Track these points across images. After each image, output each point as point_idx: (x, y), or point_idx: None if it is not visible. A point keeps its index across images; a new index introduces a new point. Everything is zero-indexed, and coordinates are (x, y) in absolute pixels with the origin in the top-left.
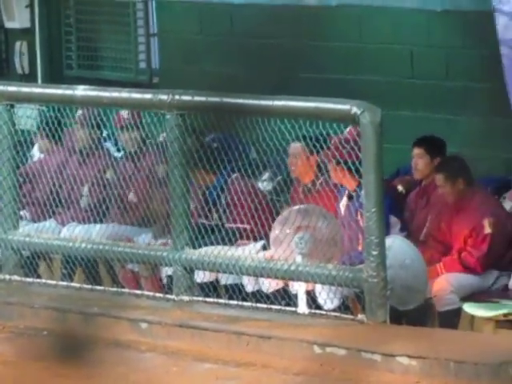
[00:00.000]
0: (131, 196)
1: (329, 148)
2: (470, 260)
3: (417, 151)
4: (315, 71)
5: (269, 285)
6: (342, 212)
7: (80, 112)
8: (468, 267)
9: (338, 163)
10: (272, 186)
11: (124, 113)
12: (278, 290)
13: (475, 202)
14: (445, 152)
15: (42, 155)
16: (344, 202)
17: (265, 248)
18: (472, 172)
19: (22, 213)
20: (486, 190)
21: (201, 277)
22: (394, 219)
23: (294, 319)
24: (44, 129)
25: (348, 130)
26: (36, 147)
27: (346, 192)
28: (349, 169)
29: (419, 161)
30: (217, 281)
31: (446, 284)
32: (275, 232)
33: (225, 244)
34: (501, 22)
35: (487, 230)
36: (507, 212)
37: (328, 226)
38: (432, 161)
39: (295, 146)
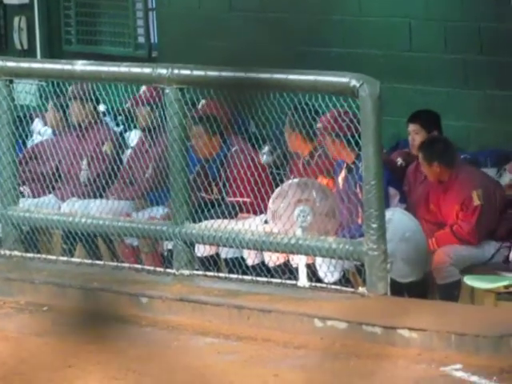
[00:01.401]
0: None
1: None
2: (461, 232)
3: (412, 127)
4: (314, 45)
5: (269, 259)
6: (341, 185)
7: (72, 87)
8: (462, 239)
9: (337, 136)
10: (272, 160)
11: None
12: (278, 265)
13: (461, 178)
14: (440, 124)
15: (49, 131)
16: (343, 174)
17: (266, 222)
18: (472, 145)
19: (21, 189)
20: (470, 164)
21: (201, 251)
22: (392, 191)
23: (294, 293)
24: (55, 104)
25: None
26: (36, 122)
27: (345, 165)
28: (348, 141)
29: (416, 136)
30: (217, 255)
31: (445, 256)
32: (274, 205)
33: (225, 218)
34: None
35: (476, 201)
36: (495, 182)
37: (327, 199)
38: (428, 135)
39: (287, 123)
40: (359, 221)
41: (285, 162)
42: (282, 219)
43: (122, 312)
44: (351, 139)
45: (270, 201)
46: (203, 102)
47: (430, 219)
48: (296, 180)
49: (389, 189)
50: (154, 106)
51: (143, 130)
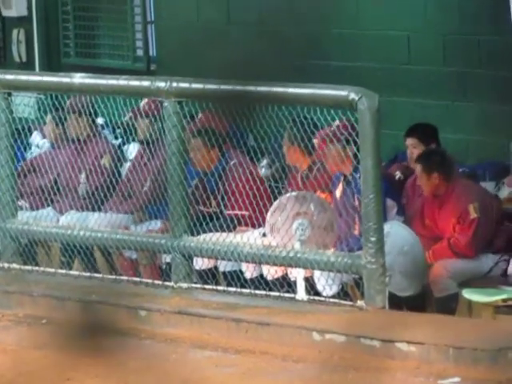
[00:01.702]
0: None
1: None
2: (458, 246)
3: (410, 141)
4: (312, 58)
5: (268, 272)
6: (338, 198)
7: (70, 100)
8: (459, 253)
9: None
10: (270, 173)
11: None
12: (277, 278)
13: (457, 192)
14: (437, 137)
15: (47, 144)
16: (340, 187)
17: (264, 235)
18: (471, 158)
19: (20, 203)
20: (466, 178)
21: (199, 264)
22: (390, 202)
23: (292, 306)
24: (54, 117)
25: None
26: (35, 135)
27: (343, 177)
28: (345, 150)
29: (414, 150)
30: (215, 268)
31: (443, 269)
32: (272, 218)
33: (223, 231)
34: None
35: (473, 214)
36: (491, 195)
37: (325, 212)
38: (427, 148)
39: (286, 136)
40: (356, 232)
41: (283, 175)
42: (281, 232)
43: (120, 325)
44: (347, 147)
45: (268, 214)
46: (201, 115)
47: (426, 234)
48: (294, 193)
49: (386, 200)
50: (153, 119)
51: (142, 143)
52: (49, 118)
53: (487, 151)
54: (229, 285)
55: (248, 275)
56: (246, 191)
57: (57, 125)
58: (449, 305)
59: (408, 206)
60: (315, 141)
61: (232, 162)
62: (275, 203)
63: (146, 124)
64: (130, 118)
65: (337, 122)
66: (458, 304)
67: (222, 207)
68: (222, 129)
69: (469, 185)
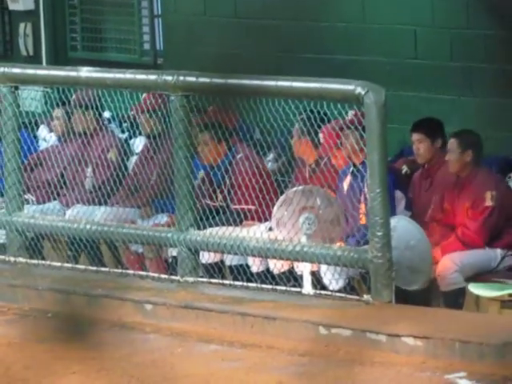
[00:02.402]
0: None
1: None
2: (467, 233)
3: (416, 137)
4: (319, 52)
5: (274, 266)
6: (345, 190)
7: (76, 94)
8: (467, 243)
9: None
10: (277, 167)
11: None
12: (283, 272)
13: (478, 178)
14: (443, 132)
15: (54, 138)
16: (348, 180)
17: (270, 229)
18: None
19: (26, 196)
20: (489, 168)
21: (205, 258)
22: (399, 194)
23: (299, 300)
24: (67, 112)
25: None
26: (42, 128)
27: (351, 170)
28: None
29: (420, 146)
30: (222, 262)
31: (450, 263)
32: (278, 212)
33: (230, 225)
34: None
35: (488, 202)
36: (509, 188)
37: (331, 206)
38: (433, 144)
39: (295, 128)
40: (363, 223)
41: (290, 169)
42: (287, 226)
43: (126, 319)
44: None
45: (275, 208)
46: (210, 108)
47: (442, 220)
48: (300, 187)
49: (395, 192)
50: (154, 114)
51: (148, 137)
52: (59, 112)
53: (493, 146)
54: (235, 279)
55: (254, 269)
56: (252, 185)
57: (69, 119)
58: (456, 299)
59: (415, 201)
60: (321, 135)
61: (239, 156)
62: (282, 197)
63: (147, 118)
64: (137, 112)
65: (353, 112)
66: (465, 299)
67: (229, 201)
68: (229, 123)
69: (490, 173)
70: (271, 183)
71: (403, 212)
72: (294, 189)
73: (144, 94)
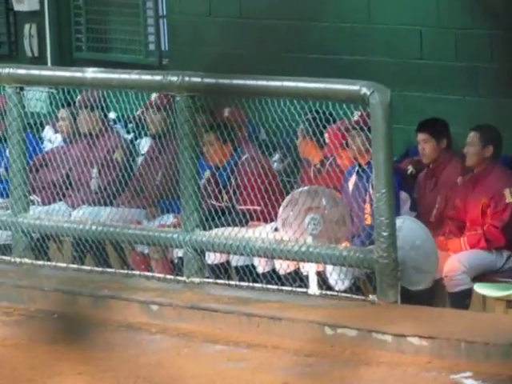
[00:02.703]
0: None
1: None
2: (493, 231)
3: (422, 137)
4: (324, 52)
5: (280, 266)
6: (350, 190)
7: (81, 95)
8: (491, 239)
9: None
10: (282, 167)
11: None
12: (289, 272)
13: (494, 174)
14: (448, 132)
15: (59, 139)
16: (353, 180)
17: (276, 229)
18: None
19: (32, 197)
20: (505, 166)
21: (211, 258)
22: (404, 195)
23: (304, 300)
24: (72, 113)
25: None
26: (47, 129)
27: (356, 170)
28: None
29: (425, 146)
30: (227, 262)
31: (458, 264)
32: (284, 213)
33: (235, 226)
34: None
35: (509, 199)
36: None
37: (337, 207)
38: (438, 144)
39: (301, 128)
40: (368, 223)
41: (295, 169)
42: (293, 227)
43: (132, 319)
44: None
45: (281, 208)
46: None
47: (453, 215)
48: (306, 188)
49: (400, 193)
50: (165, 113)
51: (154, 137)
52: (64, 112)
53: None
54: (241, 279)
55: (260, 270)
56: (258, 186)
57: (75, 120)
58: (462, 300)
59: (420, 201)
60: (326, 135)
61: (244, 157)
62: (287, 198)
63: (156, 118)
64: (142, 112)
65: (359, 112)
66: (472, 299)
67: (234, 202)
68: (234, 123)
69: (506, 170)
70: (277, 184)
71: (408, 213)
72: (300, 189)
73: (154, 94)
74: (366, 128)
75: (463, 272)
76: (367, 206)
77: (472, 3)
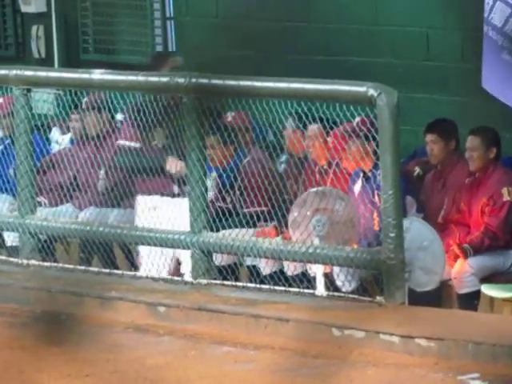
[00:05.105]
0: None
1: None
2: (490, 229)
3: (430, 137)
4: (331, 54)
5: (287, 268)
6: (356, 194)
7: (86, 98)
8: (492, 237)
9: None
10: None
11: None
12: (296, 274)
13: (495, 175)
14: (457, 133)
15: (66, 140)
16: (359, 183)
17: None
18: None
19: (39, 199)
20: (506, 167)
21: (219, 259)
22: (410, 199)
23: (312, 301)
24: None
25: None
26: (54, 131)
27: (362, 173)
28: (364, 147)
29: (434, 146)
30: (235, 263)
31: (466, 266)
32: (293, 214)
33: (242, 227)
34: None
35: (506, 197)
36: None
37: (345, 208)
38: (447, 145)
39: (312, 128)
40: (375, 227)
41: (302, 170)
42: (300, 228)
43: (139, 321)
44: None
45: (291, 210)
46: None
47: (458, 219)
48: (314, 189)
49: (406, 198)
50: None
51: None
52: (77, 114)
53: (505, 147)
54: (248, 280)
55: (267, 271)
56: (265, 187)
57: (82, 121)
58: (471, 301)
59: (428, 202)
60: (329, 139)
61: (247, 159)
62: (297, 201)
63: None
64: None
65: (357, 119)
66: (480, 300)
67: (242, 203)
68: (241, 125)
69: (507, 171)
70: (283, 185)
71: (415, 215)
72: (308, 190)
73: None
74: (362, 134)
75: (472, 274)
76: (374, 212)
77: (478, 5)
